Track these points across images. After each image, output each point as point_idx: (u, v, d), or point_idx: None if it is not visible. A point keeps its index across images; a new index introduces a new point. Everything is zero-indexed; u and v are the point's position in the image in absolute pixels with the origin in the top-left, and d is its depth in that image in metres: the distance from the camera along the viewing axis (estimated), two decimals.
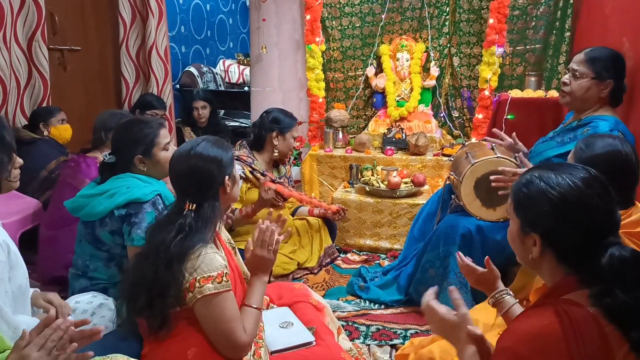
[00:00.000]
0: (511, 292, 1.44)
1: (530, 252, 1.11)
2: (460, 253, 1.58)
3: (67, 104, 3.49)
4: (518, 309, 1.39)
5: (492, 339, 1.57)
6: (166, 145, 1.98)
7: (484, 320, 1.73)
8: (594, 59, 2.12)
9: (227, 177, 1.55)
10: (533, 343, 0.98)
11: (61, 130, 3.15)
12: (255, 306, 1.54)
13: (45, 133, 3.10)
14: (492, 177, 2.11)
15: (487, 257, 1.50)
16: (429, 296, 1.26)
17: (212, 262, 1.42)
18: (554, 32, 3.60)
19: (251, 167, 2.76)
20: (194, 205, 1.49)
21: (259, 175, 2.78)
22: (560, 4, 3.54)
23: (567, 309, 0.99)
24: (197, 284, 1.39)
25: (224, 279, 1.42)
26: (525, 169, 2.03)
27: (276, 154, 2.88)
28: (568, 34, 3.53)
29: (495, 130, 2.46)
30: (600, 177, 1.09)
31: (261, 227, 1.61)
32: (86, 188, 1.96)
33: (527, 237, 1.11)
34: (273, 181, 2.81)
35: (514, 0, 3.61)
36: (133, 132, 1.95)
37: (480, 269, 1.50)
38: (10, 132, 1.49)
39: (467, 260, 1.53)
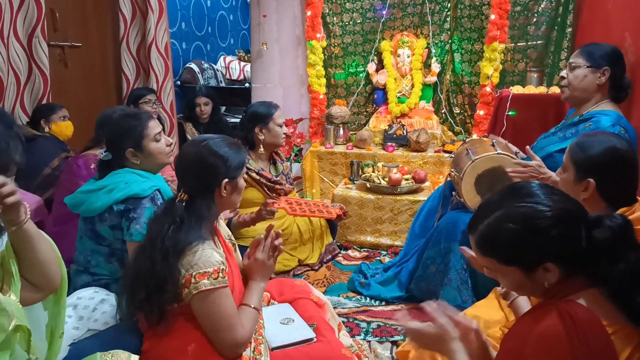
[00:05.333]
0: None
1: (545, 281, 1.07)
2: (464, 247, 1.57)
3: (67, 100, 3.48)
4: (522, 301, 1.39)
5: (494, 335, 1.57)
6: (156, 135, 1.97)
7: (485, 316, 1.73)
8: (588, 50, 2.18)
9: (226, 179, 1.54)
10: (537, 345, 0.99)
11: (62, 127, 3.14)
12: (253, 306, 1.55)
13: (46, 130, 3.08)
14: (509, 169, 2.07)
15: (460, 247, 1.49)
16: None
17: (209, 258, 1.42)
18: (556, 28, 3.59)
19: (245, 166, 2.74)
20: (186, 195, 1.49)
21: (254, 174, 2.76)
22: (562, 0, 3.53)
23: (570, 310, 0.99)
24: (193, 280, 1.39)
25: (220, 275, 1.42)
26: (533, 162, 2.03)
27: (261, 150, 2.84)
28: (570, 29, 3.52)
29: (491, 135, 2.45)
30: (539, 183, 1.11)
31: (267, 233, 1.64)
32: (86, 184, 1.96)
33: (535, 273, 1.07)
34: (269, 180, 2.80)
35: None
36: (122, 127, 1.95)
37: None
38: (17, 125, 1.50)
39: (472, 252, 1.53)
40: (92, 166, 2.50)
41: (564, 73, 2.26)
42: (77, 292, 1.82)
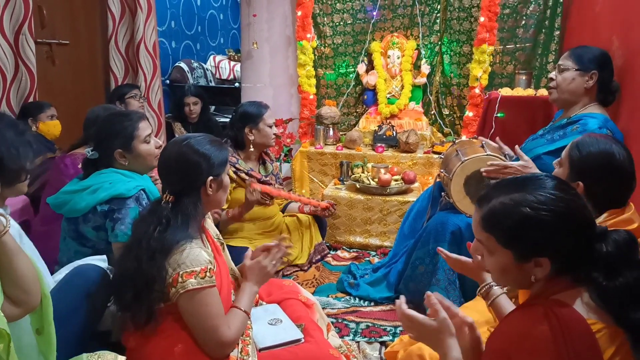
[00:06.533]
0: (497, 284, 1.43)
1: (531, 275, 1.07)
2: (440, 248, 1.59)
3: (55, 98, 3.44)
4: (504, 300, 1.39)
5: (482, 335, 1.58)
6: (146, 137, 1.95)
7: (473, 317, 1.69)
8: (577, 53, 2.20)
9: (210, 177, 1.53)
10: (522, 344, 0.99)
11: (50, 126, 3.10)
12: (243, 309, 1.54)
13: (34, 129, 3.04)
14: (482, 169, 2.12)
15: (468, 242, 1.47)
16: (401, 305, 1.20)
17: (197, 257, 1.41)
18: (544, 30, 3.62)
19: (235, 167, 2.73)
20: (172, 197, 1.48)
21: (243, 175, 2.75)
22: (550, 3, 3.56)
23: (556, 310, 0.99)
24: (180, 279, 1.38)
25: (208, 274, 1.41)
26: (519, 162, 2.05)
27: (252, 150, 2.84)
28: (558, 32, 3.55)
29: (480, 138, 2.48)
30: (560, 179, 1.11)
31: (279, 243, 1.68)
32: (69, 184, 1.94)
33: (526, 264, 1.07)
34: (259, 180, 2.79)
35: None
36: (112, 126, 1.93)
37: (465, 259, 1.50)
38: (30, 133, 1.50)
39: (449, 254, 1.54)
40: (80, 165, 2.47)
41: (552, 75, 2.28)
42: (60, 272, 1.78)
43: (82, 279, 1.63)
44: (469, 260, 1.48)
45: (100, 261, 1.79)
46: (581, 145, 1.57)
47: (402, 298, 1.22)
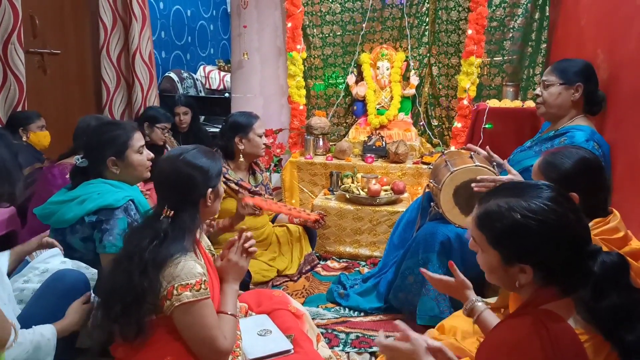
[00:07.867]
0: (480, 299, 1.45)
1: (516, 279, 1.09)
2: (423, 269, 1.59)
3: (45, 108, 3.43)
4: (488, 315, 1.40)
5: (471, 345, 1.59)
6: (140, 148, 1.95)
7: (463, 327, 1.74)
8: (560, 67, 2.24)
9: (210, 189, 1.54)
10: (510, 355, 1.00)
11: (40, 137, 3.10)
12: (230, 313, 1.54)
13: (24, 139, 3.04)
14: (473, 184, 2.12)
15: (450, 261, 1.50)
16: (380, 339, 1.22)
17: (191, 270, 1.41)
18: (530, 43, 3.67)
19: (225, 177, 2.73)
20: (171, 212, 1.48)
21: (233, 185, 2.75)
22: (537, 16, 3.62)
23: (545, 320, 1.00)
24: (175, 292, 1.38)
25: (202, 286, 1.41)
26: (507, 176, 2.06)
27: (241, 160, 2.84)
28: (544, 45, 3.61)
29: (470, 145, 2.49)
30: (561, 191, 1.11)
31: (239, 234, 1.63)
32: (57, 194, 1.92)
33: (512, 267, 1.09)
34: (248, 190, 2.79)
35: (491, 12, 3.67)
36: (106, 134, 1.92)
37: (447, 278, 1.51)
38: (21, 154, 1.47)
39: (432, 274, 1.54)
40: (68, 175, 2.46)
41: (538, 91, 2.30)
42: (45, 256, 1.76)
43: (62, 283, 1.61)
44: (451, 279, 1.50)
45: (70, 262, 1.77)
46: (553, 163, 1.59)
47: (381, 333, 1.25)
